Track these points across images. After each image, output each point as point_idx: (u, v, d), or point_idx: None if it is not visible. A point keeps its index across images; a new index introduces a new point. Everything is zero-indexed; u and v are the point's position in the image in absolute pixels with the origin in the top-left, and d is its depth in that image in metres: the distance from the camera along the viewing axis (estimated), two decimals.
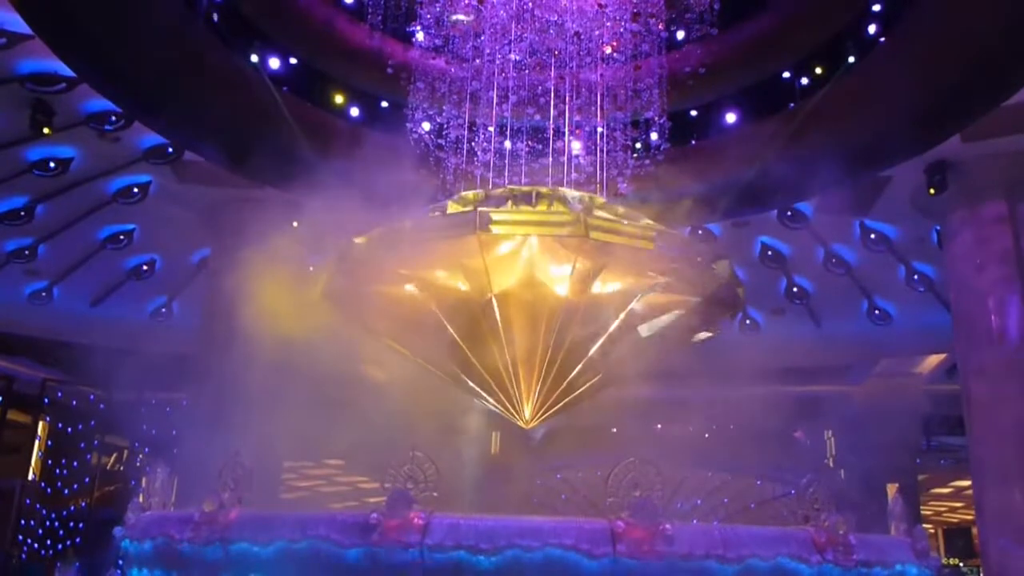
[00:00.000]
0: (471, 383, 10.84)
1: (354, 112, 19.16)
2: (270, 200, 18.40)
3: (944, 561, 33.43)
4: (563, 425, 11.15)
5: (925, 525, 31.14)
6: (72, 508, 26.67)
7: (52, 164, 19.41)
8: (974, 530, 28.84)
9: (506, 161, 11.63)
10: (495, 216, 9.37)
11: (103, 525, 8.91)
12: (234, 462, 7.44)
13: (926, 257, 22.49)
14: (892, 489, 25.71)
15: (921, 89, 15.94)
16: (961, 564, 35.45)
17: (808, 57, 18.21)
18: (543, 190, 10.35)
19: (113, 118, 18.17)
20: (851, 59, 17.33)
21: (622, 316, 10.16)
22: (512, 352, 10.29)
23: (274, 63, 18.32)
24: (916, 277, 23.36)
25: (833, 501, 7.18)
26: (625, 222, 9.92)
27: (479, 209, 9.40)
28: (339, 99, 19.11)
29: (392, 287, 10.63)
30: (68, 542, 25.75)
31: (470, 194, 10.32)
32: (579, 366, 10.34)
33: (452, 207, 9.98)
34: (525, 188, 10.52)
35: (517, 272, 10.08)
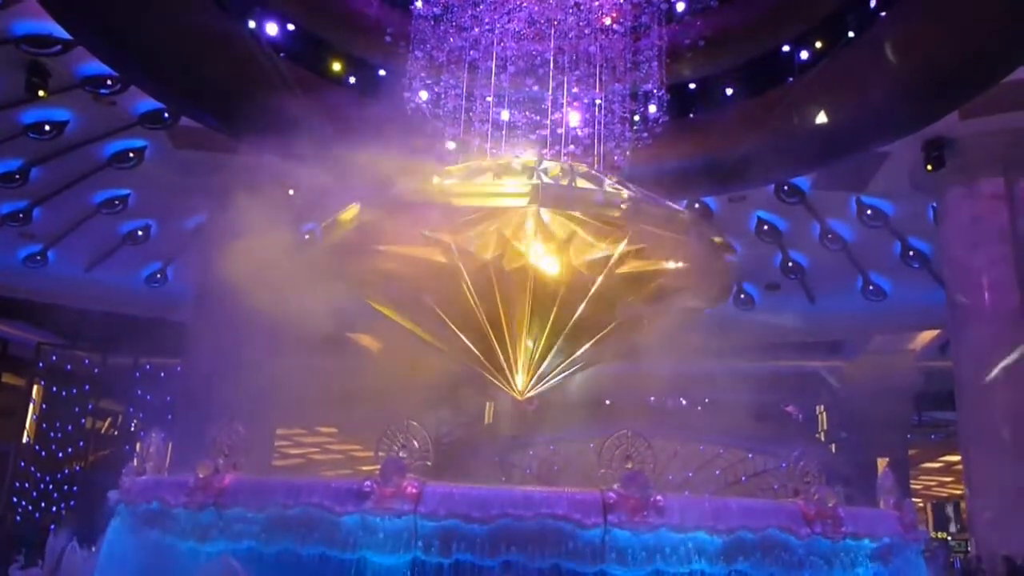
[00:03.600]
0: (467, 352, 10.87)
1: (352, 80, 19.02)
2: (266, 167, 18.31)
3: (932, 535, 33.75)
4: (557, 397, 11.20)
5: (914, 499, 31.38)
6: (66, 471, 26.81)
7: (47, 127, 19.32)
8: (963, 504, 29.11)
9: (503, 132, 11.58)
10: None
11: (97, 489, 8.93)
12: (228, 428, 7.47)
13: (922, 234, 22.53)
14: (882, 463, 25.99)
15: (920, 65, 15.88)
16: (949, 538, 35.78)
17: (808, 32, 18.11)
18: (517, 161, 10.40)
19: (109, 82, 18.06)
20: (851, 34, 17.22)
21: (600, 280, 10.13)
22: (508, 324, 10.32)
23: (272, 29, 18.15)
24: (911, 254, 23.41)
25: (823, 475, 7.24)
26: (592, 189, 9.93)
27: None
28: (337, 67, 18.97)
29: (398, 249, 10.58)
30: (62, 505, 25.90)
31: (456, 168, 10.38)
32: (563, 333, 10.35)
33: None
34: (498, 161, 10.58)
35: (508, 244, 10.08)
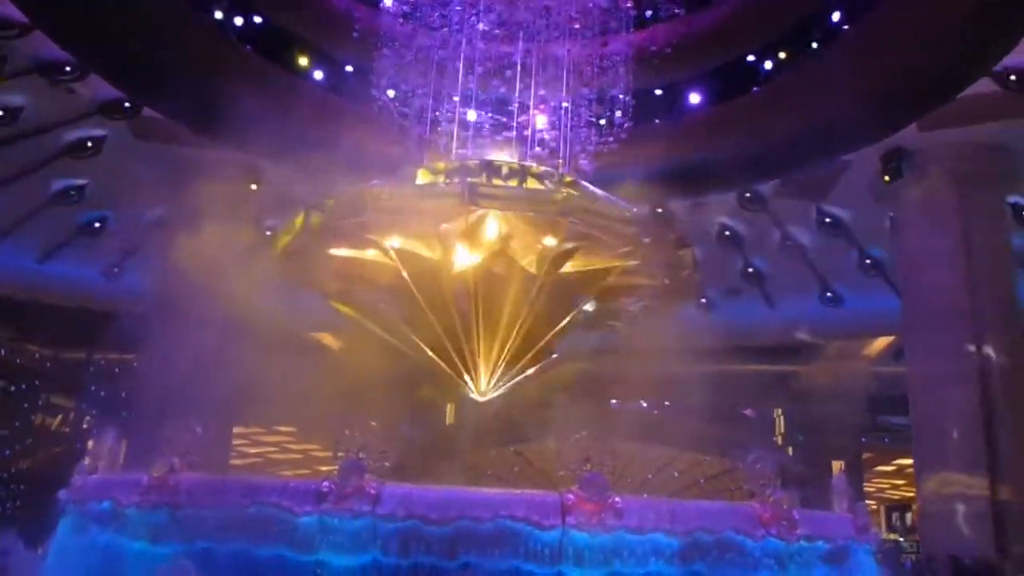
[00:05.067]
0: (428, 352, 10.85)
1: (318, 75, 18.88)
2: (229, 161, 18.11)
3: (884, 536, 34.30)
4: (518, 398, 11.21)
5: (868, 502, 31.94)
6: (14, 470, 26.21)
7: (0, 113, 18.84)
8: (914, 507, 29.63)
9: (470, 133, 11.56)
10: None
11: (46, 488, 8.75)
12: (184, 426, 7.38)
13: (879, 242, 22.89)
14: (837, 466, 26.39)
15: (881, 77, 16.15)
16: (901, 540, 36.40)
17: (772, 43, 18.33)
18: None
19: (67, 68, 17.68)
20: (815, 45, 17.46)
21: (543, 278, 10.13)
22: (466, 325, 10.31)
23: (238, 21, 17.95)
24: (868, 261, 23.78)
25: (778, 477, 7.33)
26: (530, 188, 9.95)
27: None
28: (303, 61, 18.81)
29: (354, 251, 10.56)
30: (7, 504, 25.33)
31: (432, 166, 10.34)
32: (514, 332, 10.36)
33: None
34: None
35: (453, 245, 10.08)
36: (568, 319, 10.89)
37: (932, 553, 17.42)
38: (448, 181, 9.75)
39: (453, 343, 10.53)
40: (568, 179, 10.60)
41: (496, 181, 9.79)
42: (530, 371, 11.18)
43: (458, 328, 10.42)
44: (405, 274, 10.09)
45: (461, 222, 9.87)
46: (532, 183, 10.00)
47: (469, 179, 9.54)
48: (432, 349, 10.73)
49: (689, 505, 7.19)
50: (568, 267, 10.34)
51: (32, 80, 17.99)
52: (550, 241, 10.08)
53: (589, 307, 11.16)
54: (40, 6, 15.79)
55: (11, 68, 17.37)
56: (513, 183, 9.83)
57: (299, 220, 10.25)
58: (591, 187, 10.50)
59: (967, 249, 18.39)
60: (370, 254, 10.56)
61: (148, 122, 19.21)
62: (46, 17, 16.07)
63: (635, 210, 10.56)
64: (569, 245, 10.02)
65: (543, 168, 10.74)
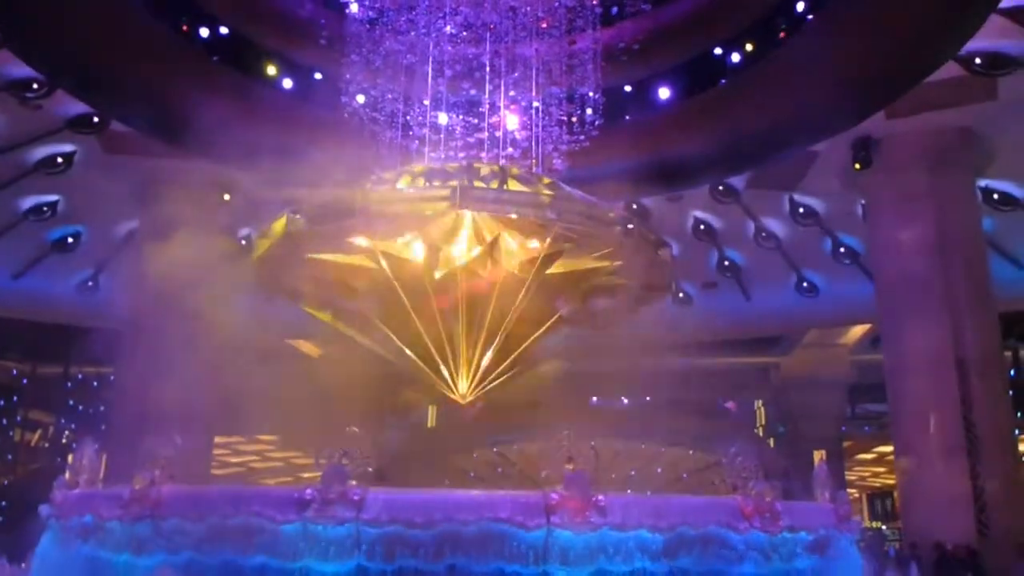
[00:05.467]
0: (410, 356, 10.84)
1: (287, 84, 18.81)
2: (199, 171, 18.02)
3: (867, 524, 34.60)
4: (499, 399, 11.22)
5: (850, 490, 32.15)
6: None
7: None
8: (895, 494, 29.93)
9: (441, 136, 11.57)
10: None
11: (28, 503, 8.68)
12: (164, 438, 7.34)
13: (852, 230, 23.09)
14: (818, 456, 26.60)
15: (847, 66, 16.29)
16: (884, 527, 36.73)
17: (739, 34, 18.43)
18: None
19: (35, 85, 17.59)
20: (781, 36, 17.58)
21: (530, 280, 10.17)
22: (447, 327, 10.31)
23: (204, 32, 17.86)
24: (842, 250, 23.99)
25: (760, 469, 7.39)
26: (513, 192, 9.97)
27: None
28: (271, 70, 18.73)
29: (333, 256, 10.51)
30: None
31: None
32: (500, 336, 10.38)
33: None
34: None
35: (437, 248, 10.08)
36: (551, 322, 10.90)
37: (915, 540, 17.56)
38: (439, 183, 9.75)
39: (435, 346, 10.53)
40: (546, 181, 10.63)
41: (478, 183, 9.82)
42: (510, 372, 11.20)
43: (440, 331, 10.42)
44: (392, 277, 10.05)
45: (445, 224, 9.86)
46: (514, 185, 10.04)
47: (460, 181, 9.56)
48: (413, 352, 10.72)
49: (672, 500, 7.24)
50: (552, 269, 10.37)
51: (0, 98, 17.87)
52: (534, 244, 10.11)
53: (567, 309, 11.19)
54: (4, 25, 15.64)
55: None
56: (494, 185, 9.85)
57: (280, 224, 10.19)
58: (569, 188, 10.55)
59: (939, 234, 18.55)
60: (350, 258, 10.51)
61: (116, 136, 19.10)
62: (11, 35, 15.93)
63: (619, 212, 10.62)
64: (555, 247, 10.05)
65: (523, 170, 10.77)
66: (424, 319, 10.40)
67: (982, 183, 20.58)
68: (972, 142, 18.95)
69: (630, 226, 10.44)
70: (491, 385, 10.73)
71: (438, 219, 9.81)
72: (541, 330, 10.90)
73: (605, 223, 10.19)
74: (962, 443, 17.35)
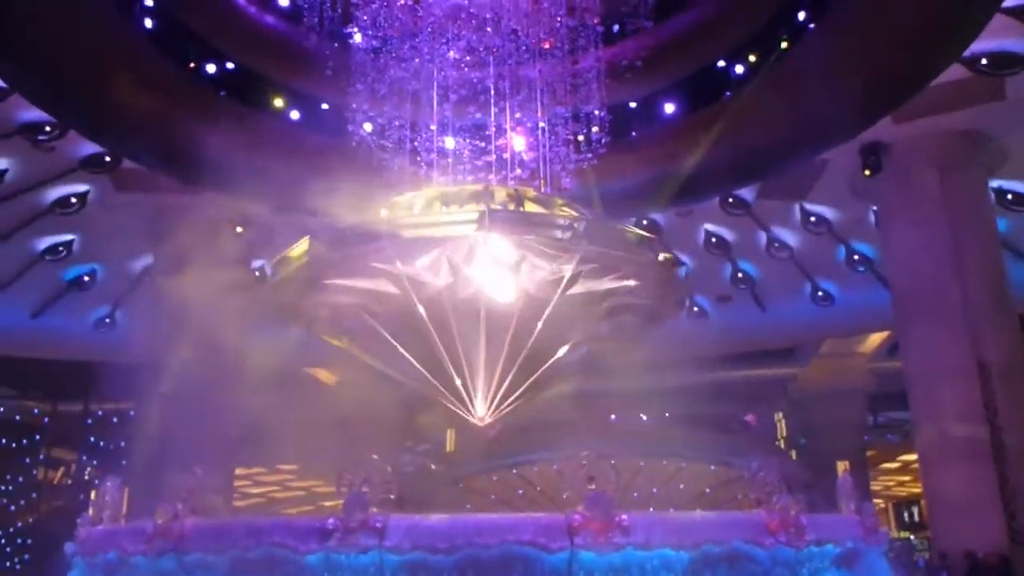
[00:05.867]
0: (425, 382, 10.84)
1: (294, 115, 18.95)
2: (211, 205, 18.16)
3: (894, 535, 34.19)
4: (518, 420, 11.20)
5: (875, 500, 31.87)
6: (19, 525, 26.08)
7: None
8: (923, 502, 29.58)
9: (449, 160, 11.63)
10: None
11: (52, 541, 8.72)
12: (185, 471, 7.35)
13: (865, 237, 22.98)
14: (842, 466, 26.31)
15: (851, 72, 16.25)
16: (911, 537, 36.28)
17: (741, 46, 18.45)
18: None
19: (47, 128, 17.83)
20: (783, 46, 17.58)
21: (553, 302, 10.19)
22: (466, 350, 10.31)
23: (211, 68, 18.06)
24: (856, 257, 23.86)
25: (784, 483, 7.32)
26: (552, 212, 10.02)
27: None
28: (278, 102, 18.88)
29: (354, 281, 10.54)
30: (16, 560, 25.18)
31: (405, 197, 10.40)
32: (519, 359, 10.38)
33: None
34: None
35: (464, 273, 10.09)
36: (569, 345, 10.90)
37: (944, 549, 17.28)
38: (468, 207, 9.81)
39: (454, 369, 10.53)
40: (559, 202, 10.69)
41: (511, 207, 9.88)
42: (530, 394, 11.18)
43: (460, 354, 10.42)
44: (416, 302, 10.06)
45: (466, 247, 9.90)
46: (531, 207, 10.10)
47: (488, 205, 9.62)
48: (432, 376, 10.71)
49: (696, 517, 7.17)
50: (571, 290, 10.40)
51: (14, 142, 18.12)
52: (555, 266, 10.14)
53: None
54: (16, 69, 15.87)
55: None
56: (511, 207, 9.91)
57: (300, 249, 10.21)
58: (590, 212, 10.62)
59: (953, 237, 18.41)
60: (370, 282, 10.52)
61: (128, 174, 19.30)
62: (19, 80, 16.16)
63: (642, 233, 10.69)
64: (577, 269, 10.08)
65: (539, 193, 10.83)
66: (444, 342, 10.41)
67: (994, 184, 20.44)
68: (982, 143, 18.85)
69: (659, 254, 10.54)
70: (510, 407, 10.71)
71: (460, 241, 9.84)
72: (560, 352, 10.90)
73: (629, 245, 10.24)
74: (987, 449, 17.12)
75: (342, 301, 10.66)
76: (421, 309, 9.97)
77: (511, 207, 9.95)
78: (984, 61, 16.95)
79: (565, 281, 9.93)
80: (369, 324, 10.57)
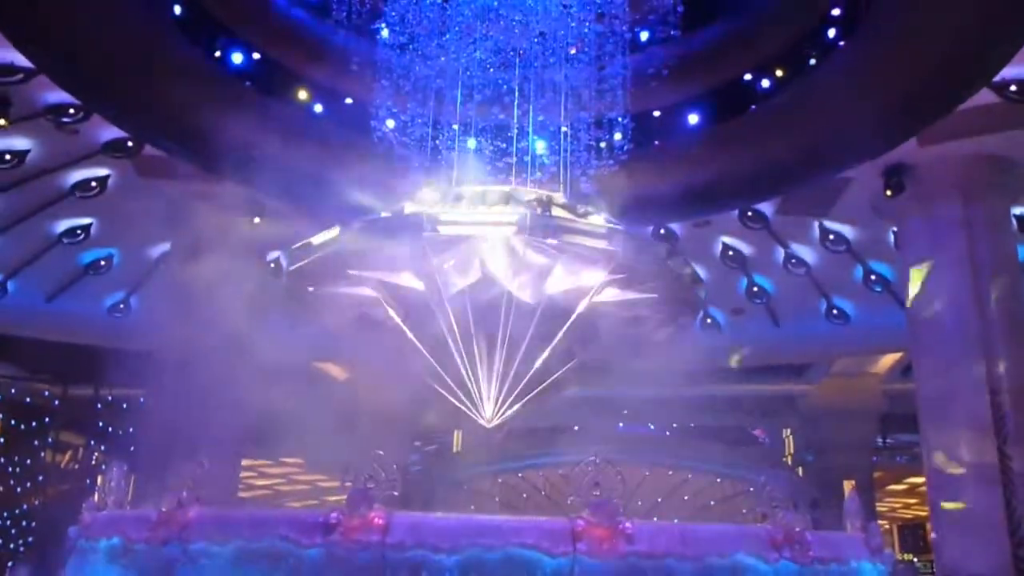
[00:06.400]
0: (439, 379, 10.84)
1: (318, 108, 19.00)
2: (231, 195, 18.23)
3: (898, 557, 34.01)
4: (525, 424, 11.19)
5: (880, 521, 31.69)
6: (24, 507, 26.22)
7: (8, 156, 19.08)
8: (928, 526, 29.39)
9: (469, 160, 11.63)
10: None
11: (57, 524, 8.75)
12: (192, 460, 7.37)
13: (883, 258, 22.86)
14: (848, 485, 26.19)
15: (879, 92, 16.17)
16: (915, 560, 36.08)
17: (769, 60, 18.38)
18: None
19: (71, 110, 17.90)
20: (812, 62, 17.53)
21: (578, 311, 10.21)
22: (471, 352, 10.31)
23: (237, 57, 18.13)
24: (873, 277, 23.74)
25: (790, 498, 7.29)
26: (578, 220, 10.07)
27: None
28: (303, 95, 18.93)
29: (352, 287, 10.56)
30: (20, 542, 25.30)
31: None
32: (538, 362, 10.38)
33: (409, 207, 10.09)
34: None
35: (472, 272, 10.10)
36: (586, 351, 10.91)
37: (949, 573, 17.18)
38: (507, 208, 9.85)
39: (466, 370, 10.54)
40: (590, 210, 10.74)
41: (539, 211, 9.92)
42: (538, 398, 11.18)
43: (476, 355, 10.43)
44: (445, 300, 10.07)
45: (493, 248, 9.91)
46: (560, 213, 10.14)
47: (531, 208, 9.67)
48: (445, 375, 10.71)
49: (700, 528, 7.16)
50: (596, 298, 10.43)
51: (37, 123, 18.20)
52: (580, 273, 10.16)
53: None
54: (43, 51, 15.95)
55: (17, 112, 17.56)
56: (539, 211, 9.94)
57: (326, 237, 10.21)
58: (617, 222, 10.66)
59: (973, 262, 18.30)
60: (392, 277, 10.51)
61: (150, 160, 19.36)
62: (46, 61, 16.25)
63: (663, 246, 10.78)
64: (607, 277, 10.11)
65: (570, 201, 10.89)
66: (466, 343, 10.43)
67: (1017, 211, 20.31)
68: (1006, 169, 18.70)
69: (685, 267, 10.61)
70: (517, 410, 10.71)
71: (489, 244, 9.86)
72: (572, 362, 10.92)
73: (659, 256, 10.31)
74: (996, 475, 17.01)
75: (360, 293, 10.70)
76: (448, 308, 10.00)
77: (539, 211, 9.97)
78: (1013, 88, 16.83)
79: (594, 291, 9.97)
80: (388, 316, 10.60)
